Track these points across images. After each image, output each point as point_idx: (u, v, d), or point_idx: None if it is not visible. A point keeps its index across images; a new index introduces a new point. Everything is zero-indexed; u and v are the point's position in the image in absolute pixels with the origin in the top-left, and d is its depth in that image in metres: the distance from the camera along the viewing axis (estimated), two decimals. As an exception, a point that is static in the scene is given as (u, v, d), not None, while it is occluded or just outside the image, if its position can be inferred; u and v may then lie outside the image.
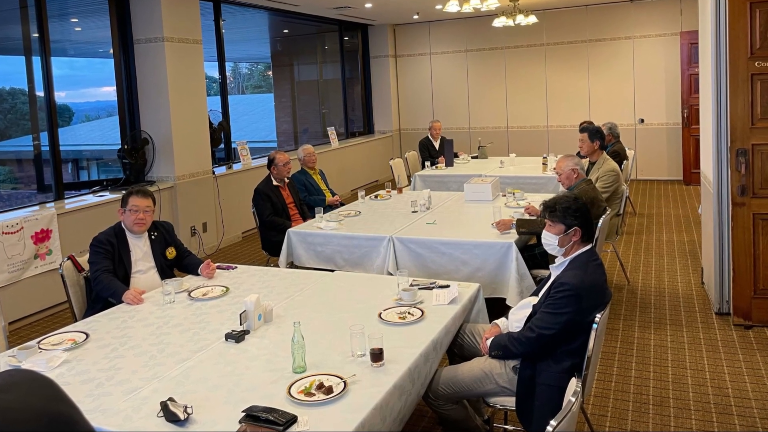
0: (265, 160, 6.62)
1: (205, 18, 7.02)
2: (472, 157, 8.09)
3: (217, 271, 3.53)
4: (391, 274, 3.86)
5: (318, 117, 11.61)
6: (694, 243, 6.10)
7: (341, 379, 2.12)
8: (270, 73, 13.83)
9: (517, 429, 2.72)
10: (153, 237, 3.50)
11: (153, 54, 6.22)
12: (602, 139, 5.18)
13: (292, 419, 1.88)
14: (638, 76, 9.54)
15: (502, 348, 2.54)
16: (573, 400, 1.83)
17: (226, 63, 7.79)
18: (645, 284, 5.06)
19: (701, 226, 5.23)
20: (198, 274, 3.49)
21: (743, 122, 3.99)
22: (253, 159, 7.50)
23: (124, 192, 3.52)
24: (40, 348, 2.57)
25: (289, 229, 4.59)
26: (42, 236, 4.97)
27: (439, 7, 8.58)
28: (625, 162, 6.44)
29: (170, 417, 1.93)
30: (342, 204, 5.71)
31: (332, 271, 3.77)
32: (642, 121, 9.59)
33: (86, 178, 10.41)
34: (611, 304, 3.27)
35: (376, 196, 5.68)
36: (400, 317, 2.70)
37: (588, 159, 5.28)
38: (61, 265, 3.33)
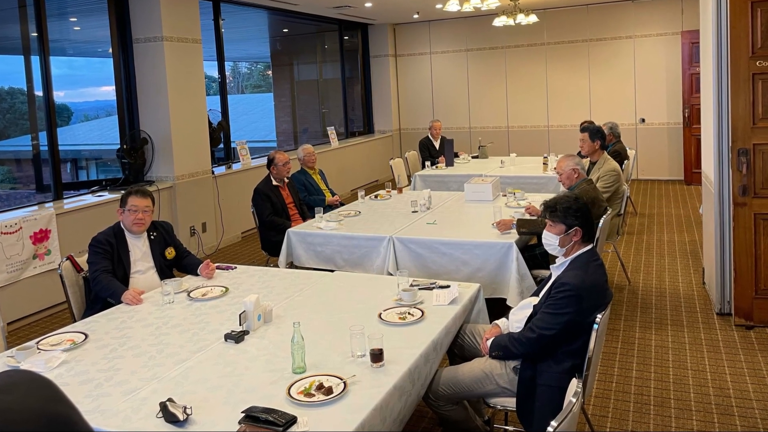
0: (264, 160, 6.61)
1: (204, 17, 7.02)
2: (473, 157, 8.08)
3: (217, 271, 3.52)
4: (391, 275, 3.85)
5: (318, 117, 11.60)
6: (695, 243, 6.09)
7: (341, 379, 2.11)
8: (269, 72, 13.82)
9: (518, 430, 2.70)
10: (152, 237, 3.49)
11: (152, 53, 6.21)
12: (603, 139, 5.16)
13: (292, 420, 1.87)
14: (639, 76, 9.53)
15: (503, 348, 2.53)
16: (574, 400, 1.82)
17: (226, 62, 7.78)
18: (646, 284, 5.05)
19: (702, 226, 5.22)
20: (197, 275, 3.48)
21: (744, 122, 3.98)
22: (252, 159, 7.49)
23: (123, 192, 3.51)
24: (38, 348, 2.56)
25: (289, 229, 4.58)
26: (41, 236, 4.96)
27: (439, 6, 8.57)
28: (626, 162, 6.43)
29: (169, 418, 1.92)
30: (342, 204, 5.70)
31: (332, 271, 3.76)
32: (643, 120, 9.58)
33: (85, 177, 10.41)
34: (612, 305, 3.26)
35: (376, 196, 5.67)
36: (400, 318, 2.69)
37: (589, 159, 5.26)
38: (59, 265, 3.32)
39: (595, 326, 2.39)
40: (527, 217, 4.35)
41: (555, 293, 2.48)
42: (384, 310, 2.76)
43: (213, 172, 6.97)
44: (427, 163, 7.49)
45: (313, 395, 2.03)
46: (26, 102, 5.90)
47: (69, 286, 3.31)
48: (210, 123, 6.96)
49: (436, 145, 8.09)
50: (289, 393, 2.05)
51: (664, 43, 9.32)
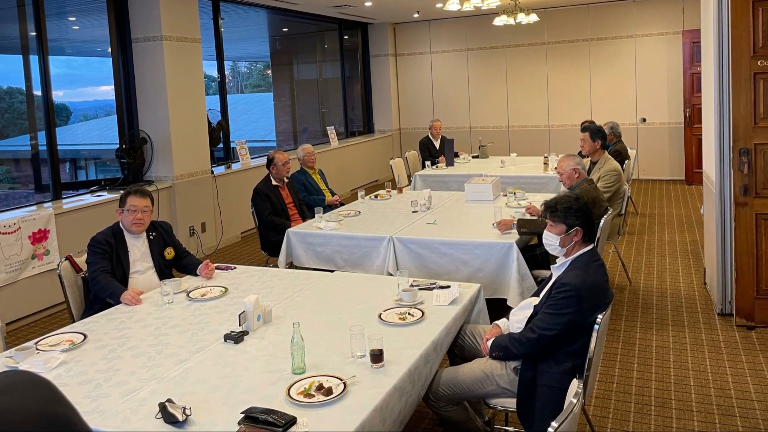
0: (264, 160, 6.60)
1: (203, 16, 7.01)
2: (473, 157, 8.07)
3: (216, 271, 3.51)
4: (392, 275, 3.84)
5: (317, 116, 11.59)
6: (696, 243, 6.08)
7: (341, 380, 2.10)
8: (269, 72, 13.82)
9: (518, 430, 2.69)
10: (151, 237, 3.48)
11: (151, 53, 6.20)
12: (604, 139, 5.15)
13: (292, 421, 1.87)
14: (640, 75, 9.52)
15: (503, 349, 2.53)
16: (574, 401, 1.81)
17: (225, 62, 7.77)
18: (647, 285, 5.04)
19: (703, 226, 5.21)
20: (197, 275, 3.47)
21: (746, 121, 3.97)
22: (252, 158, 7.48)
23: (122, 192, 3.49)
24: (37, 349, 2.55)
25: (289, 230, 4.57)
26: (39, 236, 4.95)
27: (439, 5, 8.56)
28: (626, 161, 6.42)
29: (169, 418, 1.91)
30: (342, 204, 5.69)
31: (332, 271, 3.75)
32: (644, 120, 9.57)
33: (84, 177, 10.41)
34: (613, 305, 3.26)
35: (376, 196, 5.66)
36: (400, 318, 2.68)
37: (589, 158, 5.26)
38: (58, 265, 3.31)
39: (596, 327, 2.38)
40: (528, 217, 4.34)
41: (556, 293, 2.47)
42: (384, 311, 2.75)
43: (212, 172, 6.96)
44: (428, 162, 7.48)
45: (313, 396, 2.03)
46: (25, 101, 5.89)
47: (68, 287, 3.30)
48: (209, 123, 6.95)
49: (437, 144, 8.08)
50: (288, 394, 2.04)
51: (665, 42, 9.31)
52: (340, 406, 1.98)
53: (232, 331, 2.56)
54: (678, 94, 9.22)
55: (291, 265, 4.47)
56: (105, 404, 2.07)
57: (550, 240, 2.66)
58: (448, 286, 3.00)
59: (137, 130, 6.30)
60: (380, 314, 2.71)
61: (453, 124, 10.66)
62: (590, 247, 2.65)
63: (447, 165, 7.37)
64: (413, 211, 4.85)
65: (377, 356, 2.22)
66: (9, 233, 4.70)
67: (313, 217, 4.77)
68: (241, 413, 1.90)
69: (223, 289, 3.19)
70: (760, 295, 4.04)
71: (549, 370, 2.44)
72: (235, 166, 7.41)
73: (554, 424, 1.66)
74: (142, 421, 1.95)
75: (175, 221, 6.24)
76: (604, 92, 9.77)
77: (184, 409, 1.93)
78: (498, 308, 3.61)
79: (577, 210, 2.62)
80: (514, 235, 3.95)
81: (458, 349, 2.87)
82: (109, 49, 6.27)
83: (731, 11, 3.93)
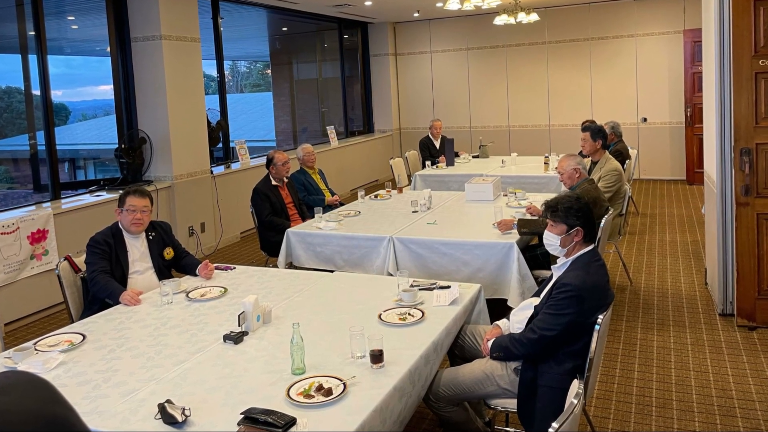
0: (263, 160, 6.59)
1: (203, 16, 6.99)
2: (473, 157, 8.06)
3: (216, 271, 3.50)
4: (392, 275, 3.83)
5: (317, 116, 11.58)
6: (697, 243, 6.07)
7: (341, 380, 2.10)
8: (269, 71, 13.81)
9: (519, 431, 2.68)
10: (150, 237, 3.47)
11: (150, 52, 6.19)
12: (604, 138, 5.14)
13: (291, 421, 1.86)
14: (641, 75, 9.51)
15: (504, 349, 2.52)
16: (575, 401, 1.81)
17: (225, 61, 7.76)
18: (648, 285, 5.03)
19: (704, 226, 5.20)
20: (196, 275, 3.46)
21: (747, 121, 3.96)
22: (251, 158, 7.47)
23: (121, 192, 3.48)
24: (36, 349, 2.54)
25: (288, 230, 4.56)
26: (38, 236, 4.94)
27: (439, 5, 8.55)
28: (627, 161, 6.41)
29: (168, 419, 1.91)
30: (341, 204, 5.68)
31: (332, 271, 3.74)
32: (645, 120, 9.56)
33: (83, 177, 10.40)
34: (613, 305, 3.24)
35: (376, 196, 5.65)
36: (400, 318, 2.67)
37: (590, 158, 5.24)
38: (57, 265, 3.31)
39: (597, 327, 2.37)
40: (528, 217, 4.33)
41: (556, 294, 2.47)
42: (384, 311, 2.74)
43: (212, 172, 6.95)
44: (428, 162, 7.47)
45: (313, 396, 2.02)
46: (23, 101, 5.88)
47: (67, 287, 3.29)
48: (209, 122, 6.93)
49: (437, 144, 8.07)
50: (288, 394, 2.03)
51: (666, 41, 9.30)
52: (339, 407, 1.97)
53: (231, 332, 2.55)
54: (679, 93, 9.21)
55: (290, 266, 4.46)
56: (104, 405, 2.06)
57: (551, 240, 2.65)
58: (449, 287, 2.99)
59: (136, 129, 6.29)
60: (380, 315, 2.70)
61: (453, 124, 10.65)
62: (591, 247, 2.64)
63: (447, 165, 7.36)
64: (413, 211, 4.84)
65: (377, 357, 2.21)
66: (8, 233, 4.69)
67: (313, 217, 4.76)
68: (241, 414, 1.89)
69: (223, 290, 3.18)
70: (762, 296, 4.03)
71: (550, 370, 2.43)
72: (234, 166, 7.40)
73: (555, 424, 1.66)
74: (141, 422, 1.94)
75: (174, 221, 6.23)
76: (605, 92, 9.76)
77: (184, 409, 1.93)
78: (498, 308, 3.60)
79: (578, 210, 2.61)
80: (514, 235, 3.94)
81: (458, 350, 2.86)
82: (108, 49, 6.26)
83: (732, 10, 3.92)
